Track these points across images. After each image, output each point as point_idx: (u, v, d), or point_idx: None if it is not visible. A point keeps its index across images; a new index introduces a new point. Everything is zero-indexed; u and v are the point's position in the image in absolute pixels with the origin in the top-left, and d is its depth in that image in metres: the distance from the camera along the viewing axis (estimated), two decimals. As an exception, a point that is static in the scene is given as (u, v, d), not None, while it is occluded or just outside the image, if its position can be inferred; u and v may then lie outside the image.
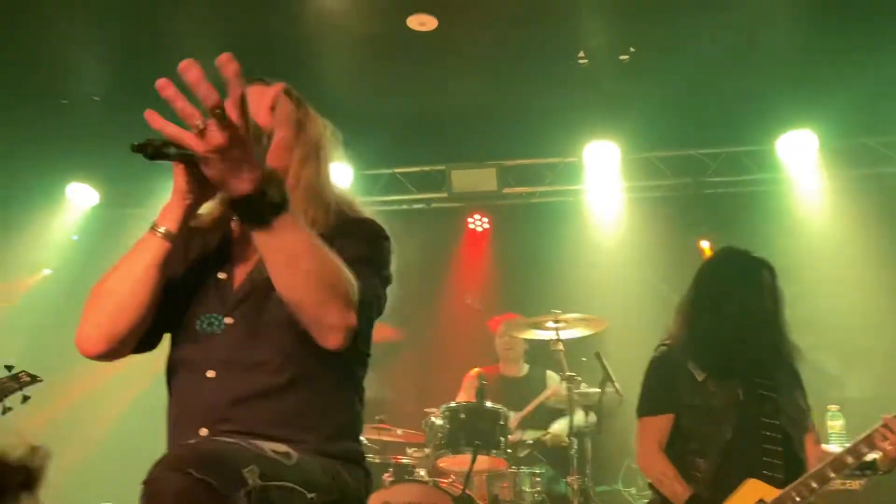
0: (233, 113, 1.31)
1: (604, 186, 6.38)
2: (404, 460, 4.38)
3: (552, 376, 5.02)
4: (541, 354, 5.10)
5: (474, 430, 4.08)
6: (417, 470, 4.29)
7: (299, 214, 1.50)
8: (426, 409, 4.40)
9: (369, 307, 1.64)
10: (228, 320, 1.65)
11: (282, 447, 1.48)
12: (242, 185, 1.37)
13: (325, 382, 1.63)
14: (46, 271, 6.66)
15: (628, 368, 3.80)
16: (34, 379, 3.26)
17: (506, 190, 6.50)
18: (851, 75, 5.11)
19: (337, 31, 4.92)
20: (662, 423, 2.84)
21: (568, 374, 4.28)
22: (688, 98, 5.36)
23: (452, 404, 4.27)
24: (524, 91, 5.55)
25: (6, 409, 3.13)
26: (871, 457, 2.65)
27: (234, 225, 1.76)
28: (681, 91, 5.30)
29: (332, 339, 1.49)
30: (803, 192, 6.05)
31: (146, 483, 1.28)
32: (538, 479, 4.30)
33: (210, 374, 1.61)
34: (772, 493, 2.62)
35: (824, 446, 2.96)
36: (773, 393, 2.80)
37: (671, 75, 5.22)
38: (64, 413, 6.02)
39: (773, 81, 5.32)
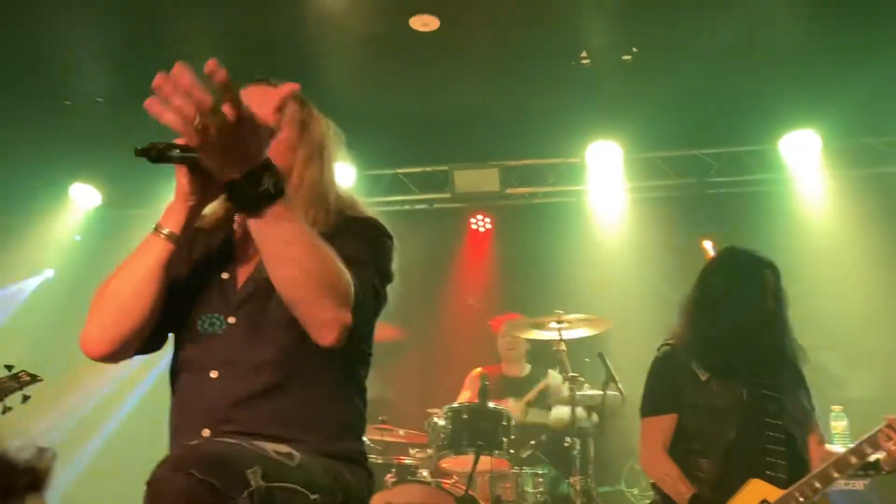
0: (225, 106, 1.32)
1: (606, 187, 6.37)
2: (407, 461, 4.39)
3: (554, 376, 5.02)
4: (542, 355, 5.10)
5: (477, 431, 4.08)
6: (420, 470, 4.29)
7: (296, 208, 1.50)
8: (429, 410, 4.40)
9: (367, 305, 1.63)
10: (231, 320, 1.65)
11: (284, 448, 1.48)
12: (233, 170, 1.38)
13: (326, 382, 1.63)
14: (49, 272, 6.67)
15: (631, 369, 3.79)
16: (34, 378, 3.25)
17: (508, 190, 6.49)
18: (854, 75, 5.10)
19: (339, 32, 4.92)
20: (666, 424, 2.84)
21: (571, 374, 4.28)
22: (690, 98, 5.35)
23: (455, 405, 4.28)
24: (527, 91, 5.55)
25: (6, 409, 3.11)
26: (874, 457, 2.64)
27: (237, 225, 1.77)
28: (683, 91, 5.30)
29: (326, 336, 1.48)
30: (806, 192, 6.04)
31: (149, 484, 1.28)
32: (541, 479, 4.30)
33: (213, 374, 1.61)
34: (775, 493, 2.61)
35: (828, 446, 2.95)
36: (776, 393, 2.79)
37: (674, 75, 5.22)
38: (67, 414, 6.03)
39: (776, 81, 5.31)
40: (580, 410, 4.32)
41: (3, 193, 6.18)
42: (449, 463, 4.27)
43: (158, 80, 1.31)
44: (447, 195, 6.55)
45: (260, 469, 1.34)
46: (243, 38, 4.92)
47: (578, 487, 4.07)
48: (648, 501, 3.23)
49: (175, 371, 1.71)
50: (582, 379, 4.37)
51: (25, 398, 3.18)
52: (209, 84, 1.32)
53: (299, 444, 1.53)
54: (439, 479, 4.14)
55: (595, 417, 4.31)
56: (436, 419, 4.26)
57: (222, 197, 1.67)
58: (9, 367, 3.19)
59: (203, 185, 1.56)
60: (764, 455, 2.71)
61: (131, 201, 6.32)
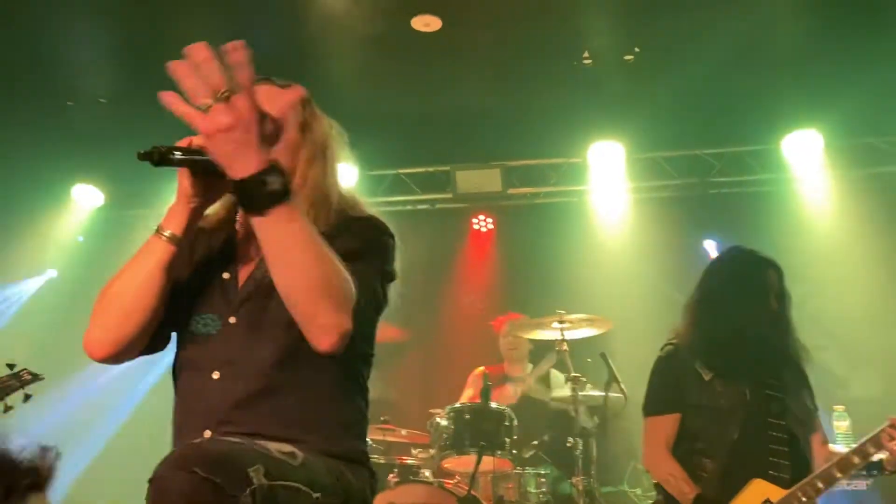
0: (240, 94, 1.32)
1: (608, 187, 6.37)
2: (409, 461, 4.38)
3: (556, 374, 5.02)
4: (544, 355, 5.10)
5: (479, 431, 4.08)
6: (422, 471, 4.28)
7: (301, 209, 1.50)
8: (431, 410, 4.40)
9: (367, 310, 1.63)
10: (232, 320, 1.65)
11: (287, 447, 1.48)
12: (245, 167, 1.36)
13: (327, 382, 1.63)
14: (52, 272, 6.67)
15: (633, 369, 3.79)
16: (36, 377, 3.22)
17: (510, 190, 6.49)
18: (856, 74, 5.09)
19: (341, 32, 4.92)
20: (669, 423, 2.83)
21: (573, 374, 4.28)
22: (692, 98, 5.35)
23: (457, 405, 4.27)
24: (528, 91, 5.55)
25: (7, 408, 3.09)
26: (877, 457, 2.64)
27: (239, 225, 1.77)
28: (685, 91, 5.29)
29: (324, 341, 1.46)
30: (808, 192, 6.03)
31: (152, 481, 1.29)
32: (543, 479, 4.29)
33: (215, 375, 1.62)
34: (778, 493, 2.61)
35: (831, 446, 2.95)
36: (779, 393, 2.79)
37: (676, 75, 5.21)
38: (70, 413, 6.04)
39: (778, 81, 5.31)
40: (582, 411, 4.32)
41: (5, 194, 6.18)
42: (451, 463, 4.27)
43: (174, 62, 1.31)
44: (449, 195, 6.55)
45: (262, 467, 1.34)
46: (247, 38, 4.91)
47: (581, 488, 4.07)
48: (651, 502, 3.23)
49: (177, 371, 1.72)
50: (584, 379, 4.36)
51: (27, 397, 3.16)
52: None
53: (301, 445, 1.53)
54: (442, 480, 4.14)
55: (596, 419, 4.30)
56: (438, 419, 4.26)
57: (224, 198, 1.67)
58: (10, 366, 3.17)
59: (205, 188, 1.56)
60: (767, 455, 2.71)
61: (134, 202, 6.32)
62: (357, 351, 1.63)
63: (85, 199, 6.59)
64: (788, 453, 2.71)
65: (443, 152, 6.35)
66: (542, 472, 4.33)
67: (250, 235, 1.70)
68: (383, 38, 4.99)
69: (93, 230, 6.68)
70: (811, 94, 5.39)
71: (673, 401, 2.85)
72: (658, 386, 2.94)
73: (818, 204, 6.00)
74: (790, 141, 5.97)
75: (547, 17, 4.82)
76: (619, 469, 5.05)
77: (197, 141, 1.53)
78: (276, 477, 1.37)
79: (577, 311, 4.46)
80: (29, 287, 6.60)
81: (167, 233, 1.57)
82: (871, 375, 5.60)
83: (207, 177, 1.54)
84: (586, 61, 5.19)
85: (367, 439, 1.89)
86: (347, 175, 5.55)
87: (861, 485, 3.65)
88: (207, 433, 1.57)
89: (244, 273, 1.70)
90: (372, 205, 1.86)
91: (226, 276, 1.71)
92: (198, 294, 1.70)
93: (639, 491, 4.95)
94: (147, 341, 1.65)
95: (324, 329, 1.45)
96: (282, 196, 1.39)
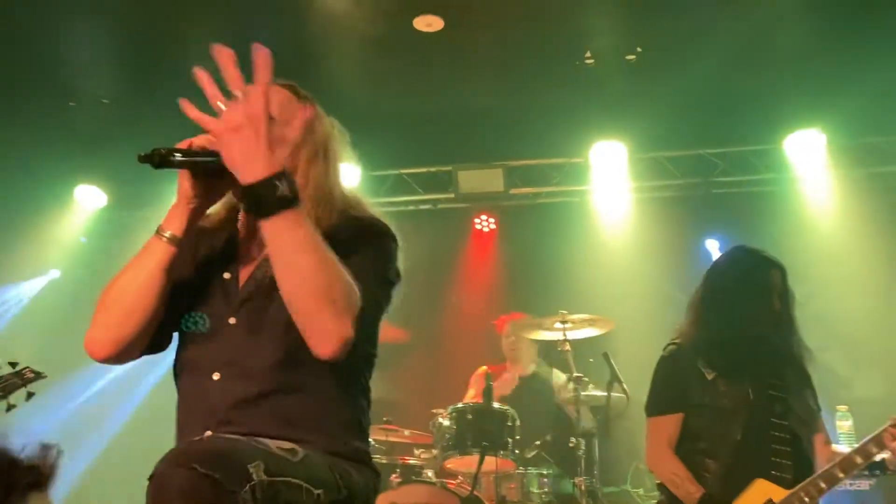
0: (254, 95, 1.33)
1: (611, 187, 6.36)
2: (412, 461, 4.39)
3: (558, 374, 5.02)
4: (547, 354, 5.10)
5: (482, 431, 4.08)
6: (425, 471, 4.29)
7: (307, 214, 1.50)
8: (433, 410, 4.40)
9: (369, 316, 1.63)
10: (232, 321, 1.66)
11: (287, 444, 1.48)
12: (254, 171, 1.38)
13: (329, 383, 1.63)
14: (55, 273, 6.68)
15: (636, 369, 3.79)
16: (38, 375, 3.22)
17: (512, 190, 6.49)
18: (859, 74, 5.09)
19: (344, 32, 4.92)
20: (672, 423, 2.83)
21: (575, 374, 4.28)
22: (695, 98, 5.34)
23: (460, 405, 4.27)
24: (531, 91, 5.55)
25: (10, 406, 3.08)
26: (880, 457, 2.64)
27: (240, 226, 1.77)
28: (688, 91, 5.29)
29: (324, 348, 1.47)
30: (812, 192, 6.02)
31: (152, 479, 1.29)
32: (546, 479, 4.30)
33: (215, 376, 1.62)
34: (780, 493, 2.61)
35: (834, 447, 2.94)
36: (782, 393, 2.79)
37: (678, 75, 5.21)
38: (73, 412, 6.06)
39: (781, 81, 5.30)
40: (583, 412, 4.33)
41: (8, 194, 6.19)
42: (454, 463, 4.27)
43: (199, 72, 1.36)
44: (451, 195, 6.54)
45: (262, 463, 1.35)
46: (249, 39, 4.92)
47: (583, 488, 4.07)
48: (654, 502, 3.23)
49: (179, 371, 1.72)
50: (587, 379, 4.36)
51: (30, 395, 3.15)
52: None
53: (302, 444, 1.54)
54: (444, 480, 4.14)
55: (597, 419, 4.30)
56: (440, 419, 4.26)
57: (225, 198, 1.68)
58: (13, 364, 3.16)
59: (205, 189, 1.57)
60: (770, 455, 2.70)
61: (136, 203, 6.33)
62: (359, 352, 1.63)
63: (88, 199, 6.59)
64: (791, 453, 2.71)
65: (445, 152, 6.35)
66: (545, 472, 4.33)
67: (252, 235, 1.71)
68: (385, 39, 5.00)
69: (95, 231, 6.69)
70: (814, 94, 5.38)
71: (676, 401, 2.85)
72: (661, 386, 2.94)
73: (821, 204, 5.99)
74: (793, 140, 5.96)
75: (549, 18, 4.82)
76: (621, 469, 5.05)
77: (198, 142, 1.54)
78: (276, 473, 1.37)
79: (579, 311, 4.47)
80: (32, 287, 6.61)
81: (167, 234, 1.58)
82: (873, 375, 5.59)
83: (208, 178, 1.55)
84: (588, 61, 5.19)
85: (370, 439, 1.89)
86: (350, 175, 5.55)
87: (864, 485, 3.65)
88: (209, 434, 1.57)
89: (245, 273, 1.70)
90: (374, 205, 1.86)
91: (227, 276, 1.71)
92: (199, 294, 1.71)
93: (641, 491, 4.94)
94: (148, 341, 1.65)
95: (325, 336, 1.46)
96: (290, 202, 1.40)
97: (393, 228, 1.79)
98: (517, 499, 4.22)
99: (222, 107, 1.35)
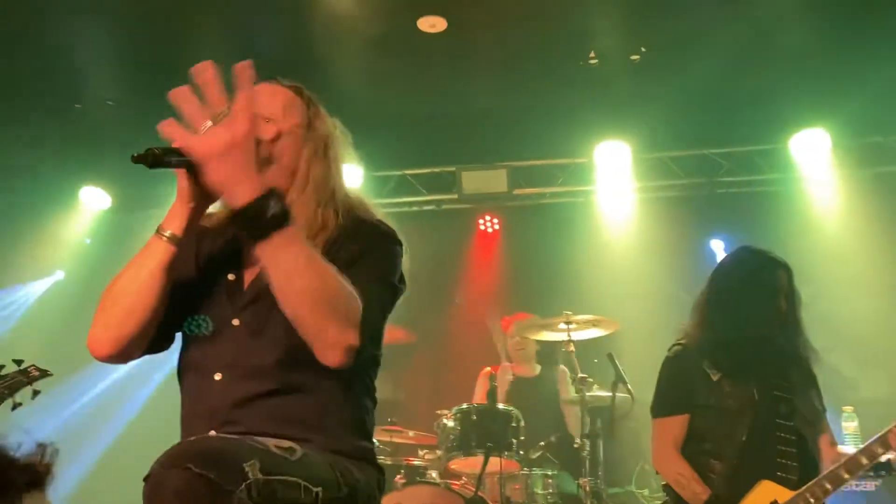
0: (238, 117, 1.32)
1: (615, 187, 6.35)
2: (416, 462, 4.38)
3: (565, 370, 5.01)
4: (551, 355, 5.09)
5: (486, 432, 4.08)
6: (429, 472, 4.28)
7: (301, 230, 1.51)
8: (438, 411, 4.40)
9: (374, 321, 1.63)
10: (235, 322, 1.66)
11: (286, 442, 1.48)
12: (243, 193, 1.39)
13: (332, 383, 1.63)
14: (59, 274, 6.70)
15: (641, 369, 3.78)
16: (44, 373, 3.20)
17: (516, 191, 6.48)
18: (864, 73, 5.08)
19: (347, 33, 4.93)
20: (677, 424, 2.82)
21: (580, 375, 4.27)
22: (699, 97, 5.34)
23: (464, 406, 4.27)
24: (534, 91, 5.55)
25: (16, 405, 3.07)
26: (885, 458, 2.63)
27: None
28: (692, 91, 5.28)
29: (330, 357, 1.50)
30: (817, 192, 6.01)
31: (147, 479, 1.30)
32: (550, 480, 4.29)
33: (217, 377, 1.63)
34: (785, 494, 2.60)
35: (839, 447, 2.93)
36: (788, 394, 2.78)
37: (682, 75, 5.20)
38: (76, 412, 6.07)
39: (786, 80, 5.29)
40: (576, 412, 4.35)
41: (13, 196, 6.21)
42: (458, 464, 4.26)
43: (175, 91, 1.33)
44: (455, 196, 6.54)
45: (258, 462, 1.35)
46: (253, 40, 4.94)
47: (588, 489, 4.06)
48: (660, 503, 3.22)
49: (182, 371, 1.73)
50: (591, 380, 4.36)
51: (35, 393, 3.14)
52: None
53: (305, 443, 1.54)
54: (448, 481, 4.14)
55: (599, 422, 4.30)
56: (445, 420, 4.26)
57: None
58: (18, 362, 3.16)
59: (204, 189, 1.56)
60: (775, 456, 2.70)
61: (141, 204, 6.34)
62: (363, 353, 1.63)
63: (92, 201, 6.61)
64: (796, 454, 2.70)
65: (448, 153, 6.35)
66: (550, 472, 4.33)
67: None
68: (389, 39, 5.00)
69: (100, 232, 6.71)
70: (819, 94, 5.37)
71: (681, 401, 2.84)
72: (666, 387, 2.93)
73: (826, 203, 5.97)
74: (798, 140, 5.95)
75: (553, 18, 4.82)
76: (626, 470, 5.04)
77: None
78: (273, 472, 1.37)
79: (583, 312, 4.46)
80: (36, 288, 6.63)
81: (167, 233, 1.58)
82: (879, 376, 5.57)
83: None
84: (592, 61, 5.19)
85: (374, 440, 1.89)
86: (353, 176, 5.57)
87: (869, 486, 3.64)
88: (212, 434, 1.57)
89: (249, 275, 1.70)
90: (377, 206, 1.87)
91: (231, 277, 1.71)
92: (203, 295, 1.71)
93: (646, 492, 4.94)
94: (149, 341, 1.66)
95: (330, 346, 1.49)
96: (281, 221, 1.41)
97: (397, 230, 1.79)
98: (522, 500, 4.22)
99: (208, 124, 1.34)
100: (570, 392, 4.78)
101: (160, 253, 1.58)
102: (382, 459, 4.22)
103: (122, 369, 6.07)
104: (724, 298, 2.88)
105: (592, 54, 5.14)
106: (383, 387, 1.82)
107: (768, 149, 6.14)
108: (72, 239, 6.69)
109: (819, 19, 4.83)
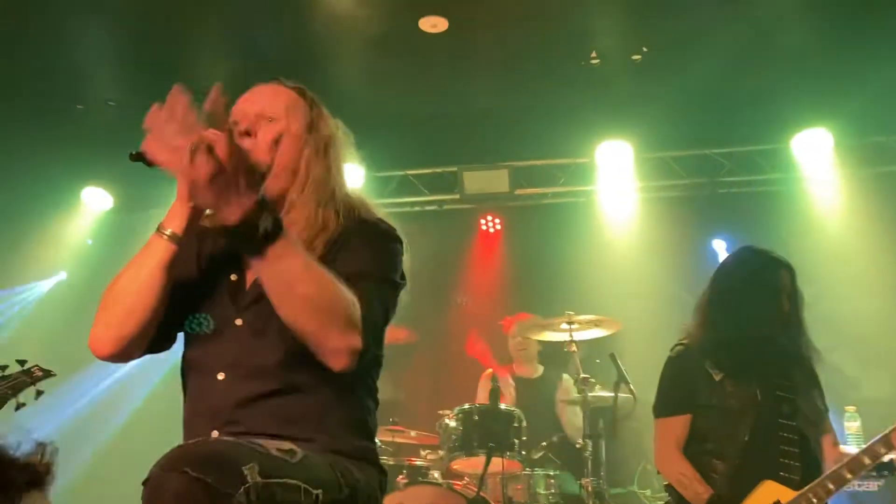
0: (218, 143, 1.33)
1: (617, 187, 6.35)
2: (418, 462, 4.38)
3: (569, 380, 5.00)
4: (554, 356, 5.09)
5: (488, 432, 4.07)
6: (431, 472, 4.28)
7: (296, 238, 1.51)
8: (440, 411, 4.40)
9: (376, 322, 1.64)
10: (238, 322, 1.66)
11: (287, 444, 1.48)
12: (232, 213, 1.39)
13: (334, 384, 1.63)
14: (61, 274, 6.71)
15: (643, 370, 3.78)
16: (48, 373, 3.19)
17: (518, 191, 6.48)
18: (866, 72, 5.07)
19: (348, 33, 4.93)
20: (679, 424, 2.82)
21: (582, 375, 4.27)
22: (701, 97, 5.33)
23: (466, 406, 4.27)
24: (536, 91, 5.54)
25: (20, 405, 3.07)
26: (888, 457, 2.62)
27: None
28: (694, 90, 5.27)
29: (336, 362, 1.51)
30: (819, 192, 6.00)
31: (146, 483, 1.30)
32: (552, 481, 4.29)
33: (220, 376, 1.63)
34: (788, 494, 2.60)
35: (842, 447, 2.93)
36: (790, 394, 2.78)
37: (684, 75, 5.19)
38: (79, 413, 6.07)
39: (788, 80, 5.28)
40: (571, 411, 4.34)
41: (15, 197, 6.21)
42: (460, 464, 4.26)
43: (151, 114, 1.34)
44: (456, 196, 6.54)
45: (257, 465, 1.34)
46: (255, 41, 4.94)
47: (590, 489, 4.06)
48: (662, 503, 3.22)
49: (185, 371, 1.73)
50: (593, 380, 4.35)
51: (39, 393, 3.13)
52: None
53: (306, 443, 1.54)
54: (450, 481, 4.14)
55: (601, 422, 4.30)
56: (447, 420, 4.26)
57: None
58: (21, 362, 3.15)
59: None
60: (777, 456, 2.69)
61: (143, 205, 6.33)
62: (367, 355, 1.63)
63: (94, 202, 6.61)
64: (799, 454, 2.70)
65: (450, 153, 6.34)
66: (552, 473, 4.33)
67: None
68: (390, 40, 5.00)
69: (102, 233, 6.71)
70: (821, 93, 5.36)
71: (683, 402, 2.84)
72: (668, 387, 2.93)
73: (828, 203, 5.96)
74: (800, 140, 5.94)
75: (554, 18, 4.81)
76: (628, 470, 5.04)
77: None
78: (272, 475, 1.37)
79: (585, 312, 4.46)
80: (39, 289, 6.64)
81: (168, 231, 1.59)
82: (882, 376, 5.56)
83: None
84: (594, 61, 5.18)
85: (377, 440, 1.89)
86: (354, 176, 5.57)
87: (872, 486, 3.63)
88: (215, 433, 1.58)
89: (251, 275, 1.70)
90: (379, 206, 1.87)
91: (233, 277, 1.72)
92: (205, 295, 1.71)
93: (649, 492, 4.93)
94: (150, 340, 1.66)
95: (334, 352, 1.50)
96: (274, 234, 1.42)
97: (398, 229, 1.79)
98: (524, 500, 4.21)
99: (189, 149, 1.33)
100: (570, 393, 4.77)
101: (161, 251, 1.58)
102: (385, 460, 4.21)
103: (124, 369, 6.07)
104: (726, 298, 2.88)
105: (594, 54, 5.14)
106: (385, 387, 1.83)
107: (770, 148, 6.13)
108: (74, 239, 6.69)
109: (820, 19, 4.82)
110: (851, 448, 2.97)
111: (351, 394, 1.69)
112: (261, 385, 1.60)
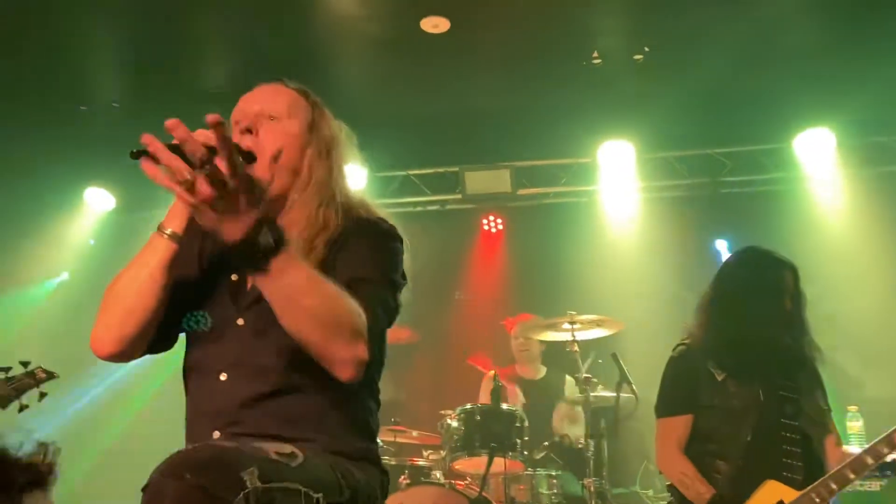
0: (222, 167, 1.33)
1: (619, 187, 6.34)
2: (420, 462, 4.39)
3: (571, 382, 5.00)
4: (556, 356, 5.09)
5: (490, 432, 4.07)
6: (433, 472, 4.28)
7: (297, 253, 1.51)
8: (441, 411, 4.40)
9: (380, 328, 1.64)
10: (240, 322, 1.66)
11: (287, 448, 1.48)
12: (233, 232, 1.39)
13: (335, 384, 1.61)
14: (64, 275, 6.72)
15: (645, 369, 3.77)
16: (50, 375, 3.20)
17: (520, 191, 6.48)
18: (868, 72, 5.06)
19: (350, 34, 4.93)
20: (681, 424, 2.82)
21: (584, 375, 4.27)
22: (703, 97, 5.32)
23: (468, 406, 4.27)
24: (538, 91, 5.54)
25: (23, 407, 3.07)
26: (891, 457, 2.62)
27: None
28: (696, 90, 5.27)
29: (342, 373, 1.51)
30: (821, 191, 5.99)
31: (145, 489, 1.30)
32: (554, 481, 4.29)
33: (223, 377, 1.63)
34: (791, 494, 2.60)
35: (845, 447, 2.93)
36: (793, 394, 2.78)
37: (686, 74, 5.19)
38: (80, 413, 6.08)
39: (790, 80, 5.28)
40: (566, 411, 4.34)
41: (18, 197, 6.22)
42: (462, 464, 4.26)
43: (147, 137, 1.34)
44: (458, 196, 6.54)
45: (256, 470, 1.34)
46: (258, 42, 4.94)
47: (593, 489, 4.06)
48: (664, 503, 3.21)
49: (187, 372, 1.73)
50: (595, 380, 4.35)
51: (42, 395, 3.14)
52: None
53: (307, 444, 1.54)
54: (452, 481, 4.14)
55: (603, 422, 4.29)
56: (449, 420, 4.25)
57: None
58: (24, 364, 3.15)
59: None
60: (780, 456, 2.69)
61: (145, 205, 6.33)
62: (373, 364, 1.63)
63: (97, 202, 6.62)
64: (801, 454, 2.70)
65: (452, 153, 6.34)
66: (554, 473, 4.33)
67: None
68: (392, 40, 5.00)
69: (104, 233, 6.72)
70: (823, 93, 5.36)
71: (685, 402, 2.84)
72: (670, 387, 2.93)
73: (830, 203, 5.96)
74: (802, 140, 5.94)
75: (556, 18, 4.81)
76: (630, 470, 5.03)
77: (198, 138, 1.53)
78: (272, 479, 1.37)
79: (587, 312, 4.45)
80: (42, 289, 6.65)
81: (168, 231, 1.59)
82: (884, 376, 5.55)
83: None
84: (596, 61, 5.18)
85: (378, 440, 1.89)
86: (356, 177, 5.57)
87: (874, 485, 3.63)
88: (217, 434, 1.58)
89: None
90: (381, 206, 1.87)
91: (234, 277, 1.72)
92: (206, 295, 1.71)
93: (651, 492, 4.93)
94: (151, 340, 1.66)
95: (341, 363, 1.50)
96: (275, 249, 1.41)
97: (399, 229, 1.79)
98: (526, 500, 4.21)
99: (188, 178, 1.33)
100: (572, 394, 4.77)
101: (161, 250, 1.59)
102: (386, 460, 4.22)
103: (126, 369, 6.08)
104: (728, 298, 2.88)
105: (595, 54, 5.14)
106: (386, 387, 1.82)
107: (772, 148, 6.12)
108: (76, 240, 6.70)
109: (822, 18, 4.82)
110: (854, 448, 2.97)
111: (353, 394, 1.69)
112: (264, 385, 1.60)
